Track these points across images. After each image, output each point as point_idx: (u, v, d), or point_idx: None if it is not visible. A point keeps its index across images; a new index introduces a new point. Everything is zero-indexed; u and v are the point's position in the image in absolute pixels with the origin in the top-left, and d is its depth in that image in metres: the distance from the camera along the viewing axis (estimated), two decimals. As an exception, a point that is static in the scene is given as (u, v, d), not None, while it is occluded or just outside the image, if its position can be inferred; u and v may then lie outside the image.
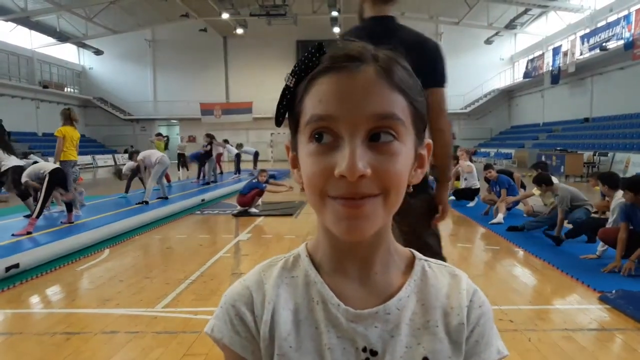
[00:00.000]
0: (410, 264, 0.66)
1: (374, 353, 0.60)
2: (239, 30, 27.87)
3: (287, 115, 0.62)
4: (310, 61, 0.58)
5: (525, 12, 25.07)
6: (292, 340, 0.61)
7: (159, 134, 15.88)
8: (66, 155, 7.35)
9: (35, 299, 4.19)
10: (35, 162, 7.94)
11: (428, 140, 0.63)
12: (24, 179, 6.44)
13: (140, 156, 9.69)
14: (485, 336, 0.64)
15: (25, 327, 3.52)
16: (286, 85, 0.60)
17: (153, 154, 9.66)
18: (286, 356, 0.61)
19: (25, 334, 3.36)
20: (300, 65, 0.58)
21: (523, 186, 8.73)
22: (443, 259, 1.85)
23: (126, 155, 21.01)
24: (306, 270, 0.65)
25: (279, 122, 0.62)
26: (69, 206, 6.77)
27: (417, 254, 0.68)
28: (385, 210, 0.57)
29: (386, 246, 0.64)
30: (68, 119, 7.46)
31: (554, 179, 6.31)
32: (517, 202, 7.76)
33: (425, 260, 0.67)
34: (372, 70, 0.56)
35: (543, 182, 6.09)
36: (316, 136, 0.56)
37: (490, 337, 0.65)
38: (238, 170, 16.25)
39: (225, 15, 24.73)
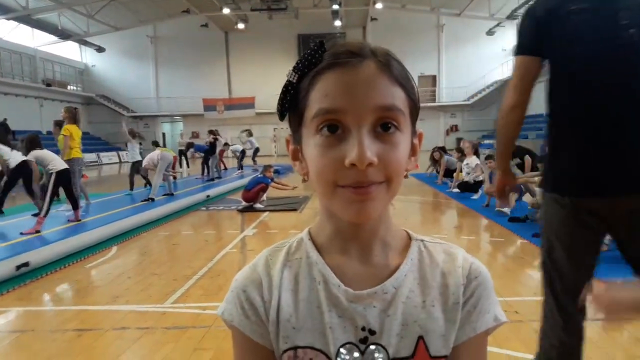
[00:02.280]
0: (407, 245, 0.69)
1: (372, 332, 0.63)
2: (240, 25, 27.85)
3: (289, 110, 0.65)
4: (313, 57, 0.61)
5: (526, 2, 24.89)
6: (294, 321, 0.65)
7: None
8: (74, 153, 7.46)
9: (46, 297, 4.25)
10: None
11: (419, 130, 0.67)
12: (30, 157, 6.50)
13: (144, 162, 9.78)
14: (479, 305, 0.66)
15: (37, 325, 3.58)
16: (288, 81, 0.62)
17: (154, 153, 9.72)
18: (290, 337, 0.64)
19: (37, 332, 3.42)
20: (304, 62, 0.61)
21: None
22: None
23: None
24: (308, 252, 0.68)
25: (282, 116, 0.65)
26: (75, 204, 6.83)
27: (413, 234, 0.71)
28: (387, 195, 0.61)
29: (385, 229, 0.67)
30: (74, 118, 7.52)
31: None
32: (521, 192, 7.74)
33: (421, 240, 0.70)
34: (373, 65, 0.59)
35: None
36: (324, 128, 0.59)
37: (485, 305, 0.67)
38: (241, 166, 16.27)
39: (226, 11, 24.71)
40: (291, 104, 0.63)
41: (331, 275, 0.65)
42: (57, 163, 6.50)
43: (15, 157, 6.78)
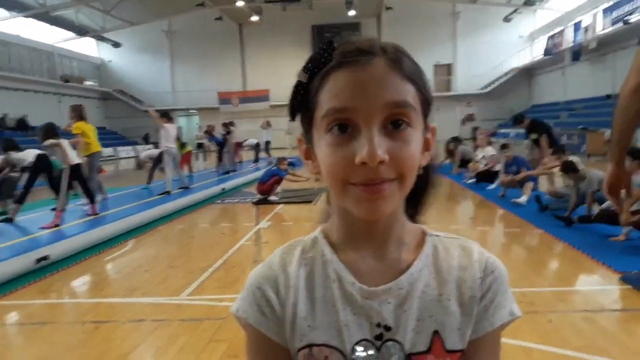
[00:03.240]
0: (422, 240, 0.69)
1: (387, 328, 0.64)
2: (254, 18, 27.82)
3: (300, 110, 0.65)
4: (323, 57, 0.61)
5: (544, -13, 24.46)
6: (310, 319, 0.65)
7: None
8: (92, 148, 7.58)
9: (65, 290, 4.34)
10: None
11: (432, 124, 0.67)
12: (46, 143, 6.55)
13: (142, 155, 9.87)
14: (496, 300, 0.66)
15: (57, 317, 3.66)
16: (299, 81, 0.63)
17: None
18: (306, 335, 0.65)
19: (57, 323, 3.50)
20: (313, 62, 0.61)
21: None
22: None
23: (144, 145, 21.39)
24: (322, 250, 0.69)
25: (293, 116, 0.66)
26: (92, 198, 6.93)
27: (428, 230, 0.71)
28: (400, 192, 0.60)
29: (400, 225, 0.67)
30: (80, 115, 7.59)
31: (580, 165, 6.19)
32: (535, 181, 7.65)
33: (437, 236, 0.70)
34: (383, 62, 0.59)
35: (570, 170, 5.98)
36: (334, 127, 0.59)
37: (501, 300, 0.67)
38: (257, 159, 16.33)
39: (240, 3, 24.70)
40: (302, 103, 0.63)
41: (346, 272, 0.66)
42: (72, 157, 6.57)
43: (28, 156, 6.84)
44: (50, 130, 6.65)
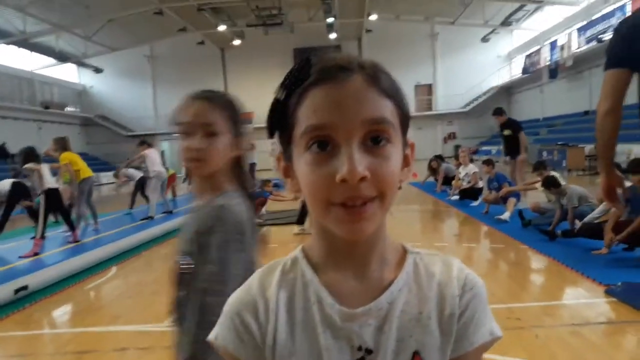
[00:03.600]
0: (403, 258, 0.68)
1: (369, 351, 0.62)
2: (236, 42, 28.04)
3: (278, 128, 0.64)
4: (300, 74, 0.60)
5: (520, 8, 25.10)
6: (290, 344, 0.63)
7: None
8: (82, 174, 7.56)
9: (45, 320, 4.22)
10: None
11: (411, 140, 0.66)
12: (26, 167, 6.46)
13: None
14: (475, 318, 0.64)
15: (37, 348, 3.55)
16: (276, 98, 0.62)
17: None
18: None
19: (38, 355, 3.40)
20: (291, 78, 0.61)
21: None
22: None
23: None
24: (303, 271, 0.66)
25: (271, 134, 0.65)
26: (72, 225, 6.82)
27: (409, 248, 0.70)
28: (381, 210, 0.59)
29: (382, 243, 0.66)
30: (64, 147, 7.54)
31: (562, 180, 6.29)
32: (519, 197, 7.74)
33: (417, 253, 0.69)
34: (360, 79, 0.58)
35: (551, 185, 6.06)
36: (314, 145, 0.58)
37: (481, 317, 0.65)
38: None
39: (222, 27, 24.89)
40: (280, 121, 0.62)
41: (325, 294, 0.64)
42: (48, 181, 6.46)
43: (4, 186, 6.69)
44: (31, 154, 6.57)
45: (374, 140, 0.58)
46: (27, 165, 6.43)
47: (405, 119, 0.63)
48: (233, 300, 0.67)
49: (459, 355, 0.64)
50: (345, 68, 0.59)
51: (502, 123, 8.98)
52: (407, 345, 0.62)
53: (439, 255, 0.69)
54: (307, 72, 0.60)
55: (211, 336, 0.67)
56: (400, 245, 0.70)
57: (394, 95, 0.61)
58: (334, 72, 0.58)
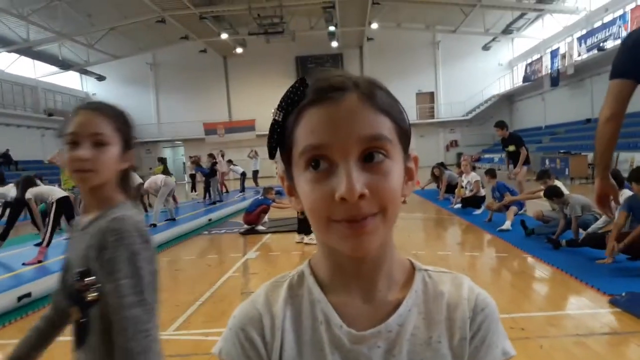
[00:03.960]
0: (411, 275, 0.67)
1: None
2: (239, 50, 28.13)
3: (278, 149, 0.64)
4: (296, 95, 0.60)
5: (521, 16, 25.16)
6: None
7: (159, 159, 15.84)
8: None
9: (48, 328, 4.21)
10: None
11: (414, 153, 0.66)
12: (28, 195, 6.56)
13: (146, 184, 9.79)
14: (487, 339, 0.64)
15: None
16: (274, 119, 0.62)
17: (157, 178, 9.76)
18: None
19: (40, 364, 3.38)
20: (287, 100, 0.61)
21: None
22: None
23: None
24: (310, 289, 0.66)
25: (272, 155, 0.65)
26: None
27: (417, 264, 0.69)
28: (384, 226, 0.59)
29: (389, 261, 0.65)
30: None
31: (564, 189, 6.29)
32: (522, 206, 7.74)
33: (425, 270, 0.68)
34: (355, 97, 0.59)
35: (554, 195, 6.07)
36: (312, 164, 0.58)
37: (493, 339, 0.64)
38: (243, 188, 16.30)
39: (224, 36, 24.99)
40: (279, 141, 0.63)
41: (333, 315, 0.63)
42: (56, 193, 6.53)
43: (10, 192, 6.86)
44: (28, 182, 6.73)
45: (372, 156, 0.58)
46: (28, 194, 6.62)
47: (403, 134, 0.63)
48: (239, 313, 0.67)
49: None
50: (339, 87, 0.59)
51: (504, 138, 9.06)
52: None
53: (448, 274, 0.69)
54: (303, 92, 0.60)
55: (215, 350, 0.67)
56: (408, 261, 0.70)
57: (391, 111, 0.61)
58: (329, 91, 0.59)
